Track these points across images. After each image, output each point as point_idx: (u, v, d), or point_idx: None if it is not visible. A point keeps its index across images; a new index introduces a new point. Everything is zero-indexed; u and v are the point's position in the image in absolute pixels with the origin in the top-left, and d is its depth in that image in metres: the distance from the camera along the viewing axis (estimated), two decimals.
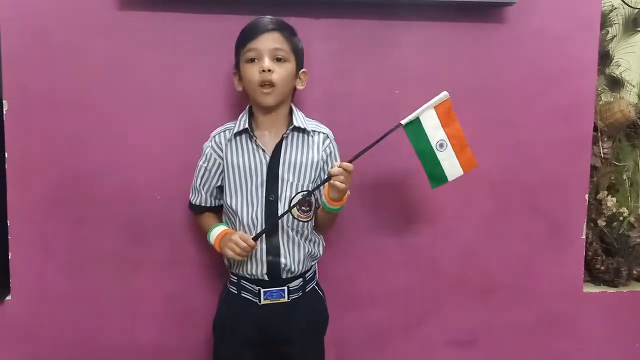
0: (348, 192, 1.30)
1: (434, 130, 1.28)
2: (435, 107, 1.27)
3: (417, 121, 1.27)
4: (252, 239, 1.26)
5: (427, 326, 1.65)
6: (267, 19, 1.29)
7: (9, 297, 1.53)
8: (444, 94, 1.27)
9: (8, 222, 1.50)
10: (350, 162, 1.25)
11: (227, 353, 1.37)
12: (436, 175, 1.32)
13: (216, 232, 1.33)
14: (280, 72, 1.27)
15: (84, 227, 1.51)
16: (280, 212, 1.29)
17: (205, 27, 1.49)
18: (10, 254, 1.51)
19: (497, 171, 1.62)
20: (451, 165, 1.31)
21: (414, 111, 1.28)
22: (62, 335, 1.54)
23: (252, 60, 1.28)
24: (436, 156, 1.29)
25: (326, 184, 1.26)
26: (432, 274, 1.64)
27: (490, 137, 1.61)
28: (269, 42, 1.27)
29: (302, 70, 1.36)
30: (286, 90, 1.31)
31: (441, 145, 1.29)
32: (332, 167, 1.25)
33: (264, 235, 1.29)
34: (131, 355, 1.57)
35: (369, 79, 1.54)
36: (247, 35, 1.28)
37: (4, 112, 1.46)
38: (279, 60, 1.28)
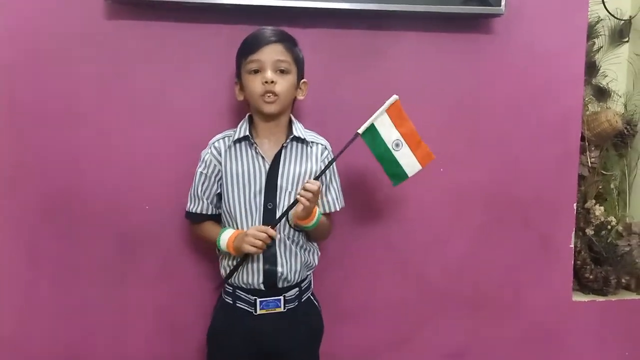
0: (318, 209, 1.31)
1: (388, 132, 1.31)
2: (387, 111, 1.30)
3: (372, 127, 1.31)
4: (271, 227, 1.25)
5: (419, 339, 1.64)
6: (270, 30, 1.30)
7: None
8: (393, 97, 1.30)
9: None
10: (317, 178, 1.27)
11: None
12: (396, 173, 1.35)
13: (227, 234, 1.31)
14: (283, 84, 1.28)
15: (72, 239, 1.50)
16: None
17: (194, 36, 1.48)
18: None
19: (486, 183, 1.63)
20: (409, 162, 1.34)
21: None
22: (50, 349, 1.52)
23: (254, 71, 1.28)
24: (394, 156, 1.33)
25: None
26: (423, 287, 1.63)
27: (479, 148, 1.62)
28: (272, 54, 1.27)
29: (302, 80, 1.37)
30: (288, 100, 1.32)
31: (397, 145, 1.32)
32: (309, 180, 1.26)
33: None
34: None
35: (358, 88, 1.54)
36: (250, 47, 1.28)
37: None
38: (281, 71, 1.28)
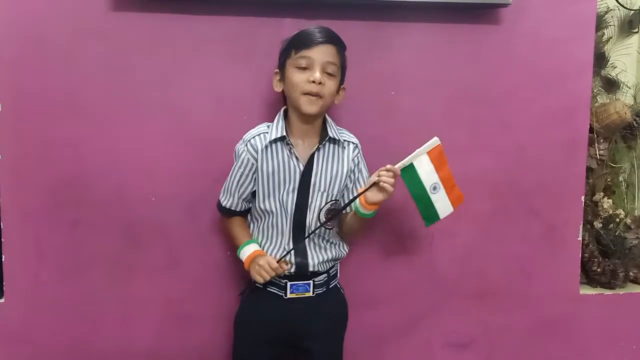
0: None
1: (427, 175, 1.31)
2: (428, 152, 1.30)
3: (411, 166, 1.30)
4: (277, 261, 1.28)
5: (425, 328, 1.65)
6: (325, 29, 1.29)
7: (2, 301, 1.51)
8: (434, 140, 1.30)
9: (2, 225, 1.49)
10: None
11: (248, 349, 1.38)
12: (430, 215, 1.37)
13: (247, 251, 1.33)
14: (329, 86, 1.28)
15: (79, 230, 1.51)
16: (308, 219, 1.32)
17: (201, 28, 1.48)
18: (3, 257, 1.50)
19: (494, 173, 1.62)
20: (443, 205, 1.36)
21: (412, 153, 1.30)
22: (56, 339, 1.53)
23: (302, 68, 1.27)
24: (430, 199, 1.34)
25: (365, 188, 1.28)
26: (430, 277, 1.63)
27: (486, 138, 1.61)
28: (324, 54, 1.27)
29: (342, 86, 1.37)
30: (329, 103, 1.32)
31: (434, 189, 1.33)
32: (368, 176, 1.30)
33: (291, 240, 1.32)
34: (127, 359, 1.55)
35: (364, 80, 1.53)
36: (304, 42, 1.27)
37: None
38: (328, 74, 1.28)
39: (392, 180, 1.24)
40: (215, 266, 1.53)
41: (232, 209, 1.38)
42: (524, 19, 1.57)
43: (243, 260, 1.34)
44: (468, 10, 1.54)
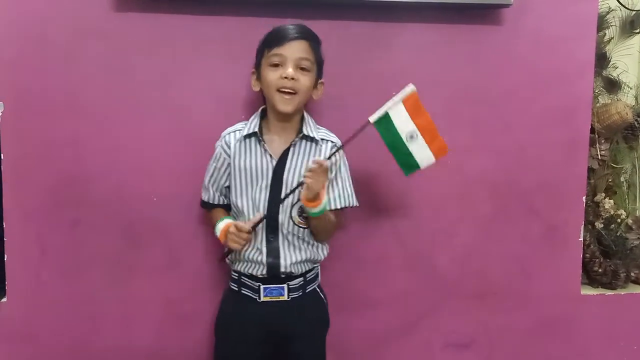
0: (326, 197, 1.28)
1: (403, 123, 1.28)
2: (403, 101, 1.27)
3: (386, 116, 1.27)
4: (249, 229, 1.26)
5: (425, 329, 1.64)
6: (297, 26, 1.29)
7: (4, 299, 1.52)
8: (410, 87, 1.27)
9: (4, 224, 1.49)
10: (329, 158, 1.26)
11: (229, 352, 1.37)
12: (408, 164, 1.32)
13: (220, 226, 1.33)
14: (303, 81, 1.28)
15: (81, 230, 1.51)
16: (280, 217, 1.30)
17: (202, 28, 1.48)
18: (6, 255, 1.50)
19: (495, 173, 1.62)
20: (423, 154, 1.31)
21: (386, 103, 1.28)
22: (58, 338, 1.54)
23: (275, 65, 1.28)
24: (407, 147, 1.30)
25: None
26: (430, 277, 1.63)
27: (487, 138, 1.61)
28: (296, 50, 1.27)
29: (320, 80, 1.36)
30: (304, 99, 1.32)
31: (411, 137, 1.29)
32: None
33: (264, 239, 1.30)
34: (128, 358, 1.56)
35: (364, 80, 1.54)
36: (275, 39, 1.28)
37: (0, 114, 1.46)
38: (302, 69, 1.28)
39: (310, 175, 1.20)
40: (215, 266, 1.54)
41: (211, 202, 1.40)
42: (525, 19, 1.57)
43: (218, 238, 1.33)
44: (469, 10, 1.54)
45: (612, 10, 1.88)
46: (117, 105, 1.49)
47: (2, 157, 1.47)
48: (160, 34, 1.48)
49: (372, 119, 1.28)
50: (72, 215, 1.50)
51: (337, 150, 1.30)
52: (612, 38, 1.92)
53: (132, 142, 1.50)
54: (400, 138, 1.29)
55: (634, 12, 1.91)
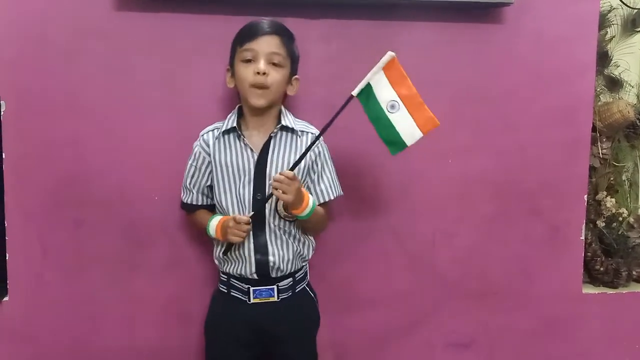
0: (312, 199, 1.28)
1: (384, 92, 1.19)
2: (383, 69, 1.19)
3: (368, 87, 1.20)
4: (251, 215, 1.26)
5: (426, 329, 1.64)
6: (268, 21, 1.29)
7: (6, 299, 1.52)
8: (389, 54, 1.19)
9: (6, 223, 1.50)
10: (293, 167, 1.23)
11: (219, 353, 1.37)
12: (393, 140, 1.23)
13: (214, 223, 1.33)
14: (274, 76, 1.28)
15: (82, 229, 1.51)
16: (267, 211, 1.29)
17: (203, 28, 1.48)
18: (7, 255, 1.50)
19: (496, 173, 1.61)
20: (407, 128, 1.21)
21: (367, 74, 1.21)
22: (58, 337, 1.54)
23: (247, 60, 1.28)
24: (388, 119, 1.21)
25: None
26: (431, 276, 1.63)
27: (489, 138, 1.60)
28: (267, 45, 1.27)
29: (295, 76, 1.36)
30: (278, 94, 1.31)
31: (392, 107, 1.20)
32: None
33: (251, 235, 1.29)
34: (129, 358, 1.56)
35: None
36: (246, 35, 1.28)
37: (2, 113, 1.46)
38: (274, 64, 1.28)
39: (276, 184, 1.19)
40: (216, 266, 1.53)
41: (194, 203, 1.39)
42: (527, 18, 1.57)
43: (214, 235, 1.32)
44: (470, 9, 1.54)
45: (614, 8, 1.88)
46: (118, 105, 1.49)
47: (3, 157, 1.48)
48: (161, 34, 1.48)
49: (355, 92, 1.22)
50: (73, 214, 1.50)
51: (319, 135, 1.25)
52: (613, 36, 1.91)
53: (133, 142, 1.50)
54: (381, 108, 1.20)
55: (635, 11, 1.90)
